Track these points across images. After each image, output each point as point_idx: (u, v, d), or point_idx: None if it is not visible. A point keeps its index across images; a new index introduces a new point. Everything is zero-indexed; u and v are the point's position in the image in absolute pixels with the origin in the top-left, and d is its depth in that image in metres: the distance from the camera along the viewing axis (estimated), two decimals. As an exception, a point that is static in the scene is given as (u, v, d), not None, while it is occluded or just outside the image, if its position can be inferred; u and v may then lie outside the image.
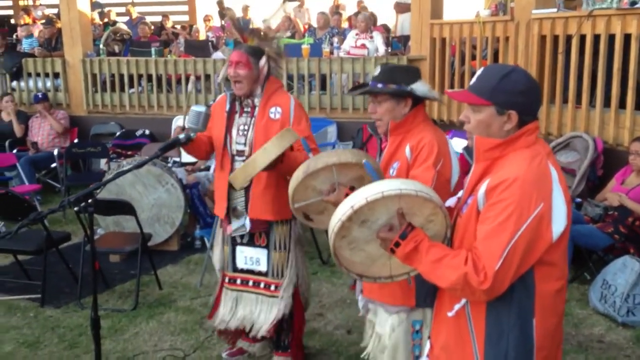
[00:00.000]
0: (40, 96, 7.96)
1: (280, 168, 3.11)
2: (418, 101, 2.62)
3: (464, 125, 2.03)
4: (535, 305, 1.91)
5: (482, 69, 2.01)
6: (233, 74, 3.25)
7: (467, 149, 1.80)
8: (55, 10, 11.54)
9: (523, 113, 1.91)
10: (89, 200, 2.18)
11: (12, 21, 13.41)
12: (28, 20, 11.23)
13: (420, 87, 2.58)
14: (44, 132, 7.84)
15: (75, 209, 2.06)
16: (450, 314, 2.01)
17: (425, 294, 2.21)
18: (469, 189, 2.01)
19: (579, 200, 5.05)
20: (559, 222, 1.86)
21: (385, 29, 9.64)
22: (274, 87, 3.37)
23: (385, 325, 2.71)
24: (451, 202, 2.17)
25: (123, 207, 4.57)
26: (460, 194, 2.14)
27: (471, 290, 1.84)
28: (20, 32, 10.36)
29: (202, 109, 2.23)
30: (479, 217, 1.90)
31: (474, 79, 1.99)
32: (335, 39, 8.38)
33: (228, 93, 3.40)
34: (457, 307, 2.00)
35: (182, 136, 2.23)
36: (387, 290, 2.64)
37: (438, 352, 2.12)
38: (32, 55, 8.95)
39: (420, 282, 2.19)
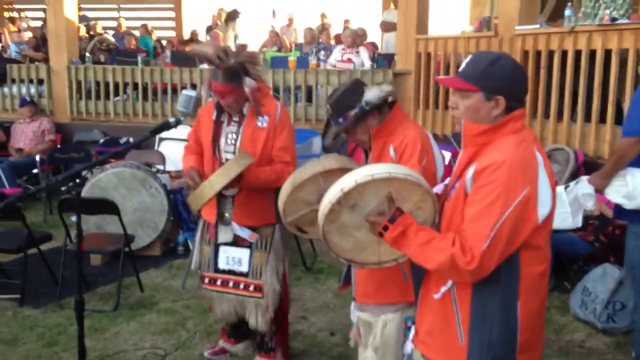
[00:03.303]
0: (27, 100, 7.93)
1: (241, 185, 3.22)
2: (383, 106, 2.60)
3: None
4: (520, 288, 1.93)
5: (470, 55, 2.05)
6: (225, 104, 3.27)
7: (454, 136, 1.86)
8: (39, 24, 11.56)
9: (510, 99, 1.95)
10: (77, 181, 2.18)
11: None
12: (13, 28, 11.18)
13: (371, 95, 2.56)
14: (26, 137, 7.79)
15: (63, 188, 2.05)
16: (436, 297, 2.03)
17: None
18: (457, 174, 2.04)
19: (560, 210, 5.12)
20: (545, 205, 1.90)
21: (374, 46, 9.78)
22: (262, 93, 3.36)
23: (377, 321, 2.67)
24: (438, 188, 2.20)
25: (107, 206, 4.54)
26: (447, 180, 2.17)
27: (458, 271, 1.86)
28: (10, 38, 10.31)
29: (193, 93, 2.26)
30: (467, 200, 1.93)
31: (462, 66, 2.03)
32: (322, 53, 8.47)
33: (215, 100, 3.41)
34: (443, 289, 2.01)
35: (172, 119, 2.24)
36: (384, 291, 2.61)
37: (423, 337, 2.13)
38: (17, 61, 8.92)
39: (418, 276, 2.22)
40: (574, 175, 5.31)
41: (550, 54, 5.74)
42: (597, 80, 5.31)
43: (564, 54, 5.60)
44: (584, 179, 3.19)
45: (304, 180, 2.46)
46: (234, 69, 3.20)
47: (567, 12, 5.67)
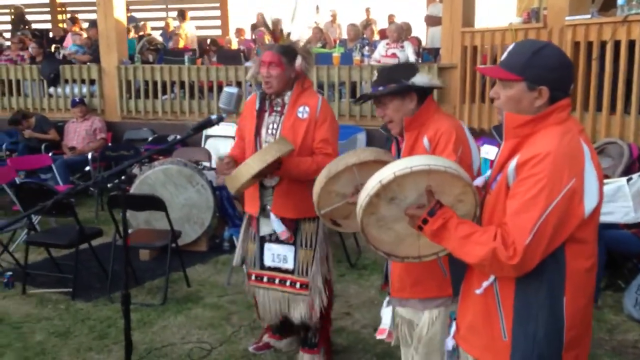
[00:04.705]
0: (77, 100, 8.17)
1: (281, 173, 3.21)
2: (423, 95, 2.58)
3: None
4: (566, 284, 1.86)
5: (513, 44, 1.99)
6: (265, 74, 3.27)
7: (496, 128, 1.78)
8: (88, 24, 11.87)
9: (554, 89, 1.88)
10: (122, 177, 2.22)
11: (51, 34, 13.79)
12: (76, 29, 11.46)
13: (420, 79, 2.54)
14: (79, 136, 8.03)
15: (109, 185, 2.09)
16: (478, 292, 1.98)
17: (461, 282, 2.18)
18: (498, 166, 1.99)
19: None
20: (591, 198, 1.83)
21: (418, 40, 9.66)
22: (304, 86, 3.39)
23: (422, 318, 2.63)
24: (479, 181, 2.14)
25: (154, 203, 4.64)
26: (488, 172, 2.12)
27: (500, 265, 1.81)
28: (70, 39, 10.62)
29: (234, 90, 2.28)
30: (509, 192, 1.88)
31: (504, 54, 1.97)
32: (366, 49, 8.42)
33: (258, 92, 3.44)
34: (485, 284, 1.96)
35: (214, 116, 2.26)
36: (420, 287, 2.58)
37: (464, 333, 2.09)
38: (70, 62, 9.20)
39: (456, 270, 2.17)
40: (628, 170, 5.12)
41: (602, 44, 5.56)
42: (652, 71, 5.12)
43: (617, 44, 5.41)
44: None
45: (338, 172, 2.43)
46: (290, 48, 3.31)
47: (620, 0, 5.48)
